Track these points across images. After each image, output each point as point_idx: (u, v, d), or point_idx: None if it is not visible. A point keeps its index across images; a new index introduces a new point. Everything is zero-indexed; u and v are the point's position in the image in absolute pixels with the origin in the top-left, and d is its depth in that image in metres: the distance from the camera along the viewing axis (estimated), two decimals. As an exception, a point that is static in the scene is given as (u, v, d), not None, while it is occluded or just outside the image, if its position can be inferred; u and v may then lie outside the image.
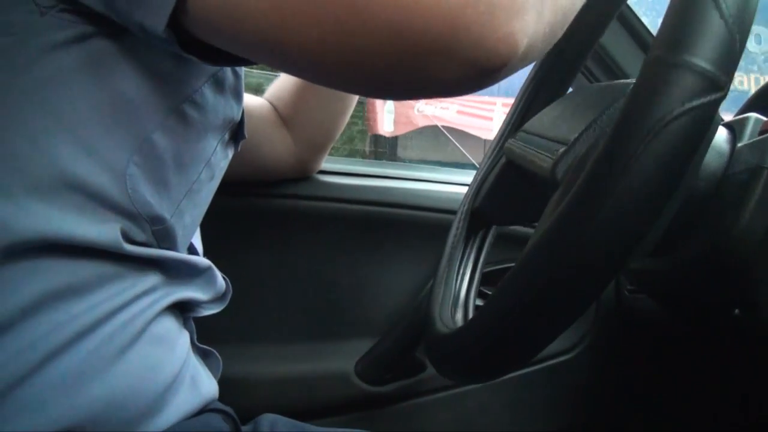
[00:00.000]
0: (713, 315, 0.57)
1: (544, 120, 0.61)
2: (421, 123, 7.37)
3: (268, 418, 0.70)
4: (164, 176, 0.51)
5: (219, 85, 0.54)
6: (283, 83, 0.95)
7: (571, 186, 0.39)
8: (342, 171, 1.06)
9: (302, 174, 1.00)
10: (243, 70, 0.58)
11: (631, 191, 0.35)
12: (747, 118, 0.58)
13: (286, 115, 0.96)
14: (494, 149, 0.73)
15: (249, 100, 0.92)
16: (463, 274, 0.66)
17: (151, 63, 0.48)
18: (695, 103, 0.35)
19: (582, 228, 0.36)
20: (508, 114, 0.75)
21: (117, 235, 0.48)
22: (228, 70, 0.55)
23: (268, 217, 1.00)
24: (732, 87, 0.36)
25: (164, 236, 0.53)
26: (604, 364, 1.04)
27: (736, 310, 0.52)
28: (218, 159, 0.59)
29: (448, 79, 0.38)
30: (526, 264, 0.40)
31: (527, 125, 0.63)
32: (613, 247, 0.36)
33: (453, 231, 0.69)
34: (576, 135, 0.50)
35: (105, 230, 0.48)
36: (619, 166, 0.35)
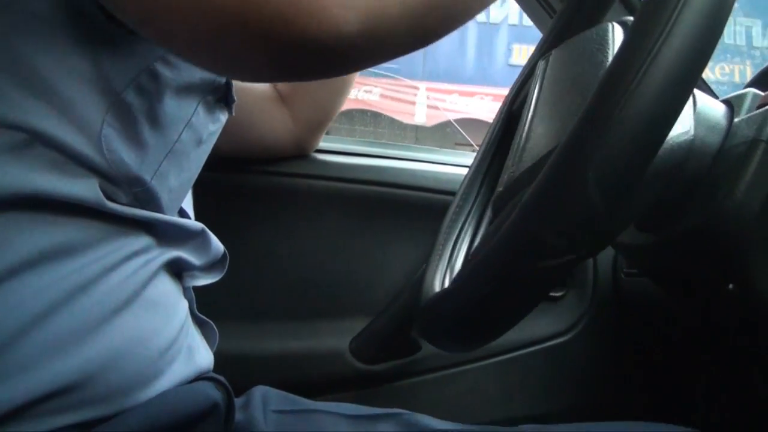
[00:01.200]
0: (707, 290, 0.56)
1: None
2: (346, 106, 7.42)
3: (260, 390, 0.70)
4: (139, 135, 0.51)
5: None
6: None
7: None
8: (340, 150, 1.05)
9: (300, 152, 1.00)
10: None
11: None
12: (745, 94, 0.57)
13: (285, 93, 0.95)
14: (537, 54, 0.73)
15: None
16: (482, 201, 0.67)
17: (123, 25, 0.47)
18: (551, 263, 0.39)
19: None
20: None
21: (97, 192, 0.48)
22: None
23: (265, 195, 1.00)
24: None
25: (147, 199, 0.53)
26: (600, 346, 1.04)
27: (730, 285, 0.52)
28: (202, 121, 0.58)
29: (285, 62, 0.42)
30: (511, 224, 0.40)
31: None
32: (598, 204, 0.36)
33: (483, 146, 0.70)
34: None
35: (85, 187, 0.47)
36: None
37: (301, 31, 0.39)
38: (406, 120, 7.65)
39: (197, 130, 0.57)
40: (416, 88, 7.34)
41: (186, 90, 0.54)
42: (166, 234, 0.56)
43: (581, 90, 0.51)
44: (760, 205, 0.49)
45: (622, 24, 0.54)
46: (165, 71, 0.51)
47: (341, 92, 0.97)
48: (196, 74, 0.55)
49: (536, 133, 0.54)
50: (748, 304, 0.52)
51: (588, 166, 0.36)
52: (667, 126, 0.36)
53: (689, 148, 0.49)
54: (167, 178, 0.55)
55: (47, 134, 0.46)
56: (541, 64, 0.63)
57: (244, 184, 0.99)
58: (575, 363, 1.04)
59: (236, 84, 0.86)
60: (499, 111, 0.74)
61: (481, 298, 0.42)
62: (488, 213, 0.69)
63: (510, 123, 0.69)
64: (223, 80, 0.59)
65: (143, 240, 0.53)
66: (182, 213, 0.63)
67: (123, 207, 0.50)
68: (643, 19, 0.37)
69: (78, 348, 0.46)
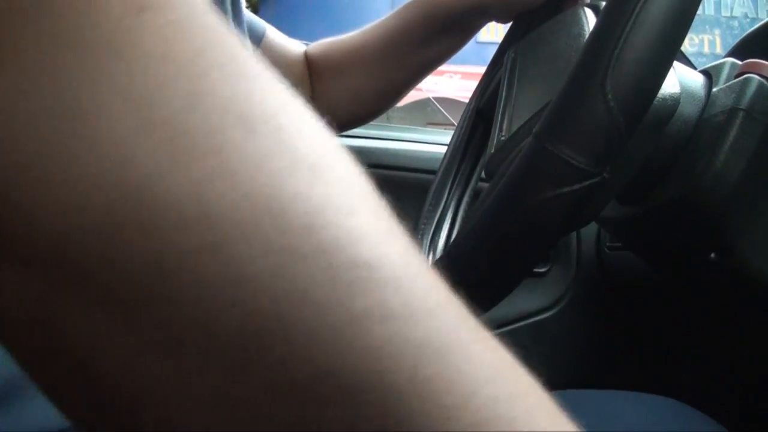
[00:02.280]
0: (689, 261, 0.57)
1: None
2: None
3: None
4: None
5: None
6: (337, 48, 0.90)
7: None
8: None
9: None
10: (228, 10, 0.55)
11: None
12: (723, 63, 0.57)
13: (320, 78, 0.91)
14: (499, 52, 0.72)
15: (289, 45, 0.89)
16: (459, 191, 0.66)
17: None
18: (565, 189, 0.37)
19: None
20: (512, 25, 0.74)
21: None
22: None
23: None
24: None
25: None
26: (585, 320, 1.05)
27: (712, 254, 0.52)
28: None
29: None
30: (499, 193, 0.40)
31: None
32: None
33: (453, 140, 0.69)
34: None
35: None
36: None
37: None
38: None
39: None
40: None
41: None
42: None
43: (566, 56, 0.51)
44: (740, 173, 0.49)
45: (593, 8, 0.54)
46: None
47: (365, 101, 0.90)
48: None
49: (521, 101, 0.54)
50: (730, 273, 0.52)
51: (606, 76, 0.35)
52: (684, 27, 0.37)
53: (678, 102, 0.49)
54: None
55: None
56: (509, 54, 0.63)
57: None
58: (561, 337, 1.05)
59: (275, 58, 0.83)
60: (473, 92, 0.74)
61: (494, 245, 0.41)
62: (469, 189, 0.69)
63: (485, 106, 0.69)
64: None
65: None
66: None
67: None
68: None
69: None
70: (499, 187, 0.40)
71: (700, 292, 0.67)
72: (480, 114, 0.69)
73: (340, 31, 0.90)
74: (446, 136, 1.11)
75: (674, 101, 0.48)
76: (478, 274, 0.41)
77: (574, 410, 0.52)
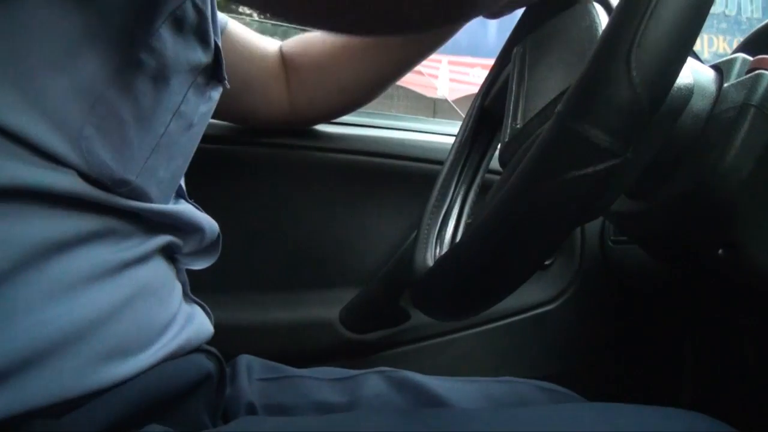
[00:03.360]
0: (696, 256, 0.57)
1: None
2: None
3: (244, 359, 0.71)
4: (123, 135, 0.48)
5: (179, 25, 0.50)
6: (310, 43, 0.92)
7: None
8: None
9: (292, 128, 0.98)
10: (208, 8, 0.54)
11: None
12: (734, 59, 0.57)
13: (291, 84, 0.92)
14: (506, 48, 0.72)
15: (256, 41, 0.90)
16: (465, 187, 0.66)
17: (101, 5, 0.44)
18: (588, 170, 0.36)
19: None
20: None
21: (81, 185, 0.46)
22: (189, 8, 0.51)
23: (254, 165, 0.99)
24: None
25: (134, 196, 0.51)
26: (587, 313, 1.05)
27: (720, 251, 0.52)
28: (192, 106, 0.55)
29: None
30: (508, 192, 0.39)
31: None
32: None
33: (459, 136, 0.68)
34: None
35: (65, 180, 0.45)
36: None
37: None
38: (428, 94, 7.61)
39: (187, 116, 0.55)
40: (438, 61, 7.27)
41: (174, 77, 0.51)
42: (157, 221, 0.54)
43: (577, 49, 0.51)
44: (750, 170, 0.49)
45: (602, 2, 0.54)
46: (150, 61, 0.48)
47: (348, 93, 0.92)
48: (182, 60, 0.52)
49: (534, 90, 0.54)
50: (737, 269, 0.52)
51: (631, 52, 0.35)
52: (708, 5, 0.36)
53: (691, 93, 0.49)
54: (155, 171, 0.52)
55: (19, 131, 0.43)
56: (518, 49, 0.63)
57: (231, 155, 0.98)
58: (563, 330, 1.05)
59: (239, 53, 0.84)
60: (482, 82, 0.74)
61: (510, 232, 0.40)
62: (476, 183, 0.69)
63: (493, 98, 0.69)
64: (211, 59, 0.56)
65: (134, 228, 0.51)
66: (179, 190, 0.62)
67: (110, 198, 0.48)
68: None
69: (74, 341, 0.46)
70: (519, 171, 0.39)
71: (705, 288, 0.67)
72: (487, 108, 0.69)
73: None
74: (453, 127, 1.11)
75: (688, 92, 0.49)
76: (492, 262, 0.41)
77: (598, 424, 0.51)
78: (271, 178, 0.99)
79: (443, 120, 1.25)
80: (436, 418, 0.54)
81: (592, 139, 0.36)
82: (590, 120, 0.36)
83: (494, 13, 0.72)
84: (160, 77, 0.50)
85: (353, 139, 1.02)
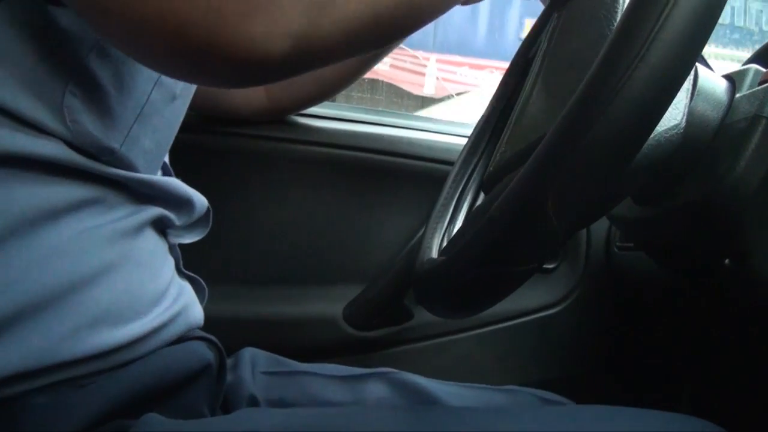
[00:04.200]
0: (703, 265, 0.57)
1: None
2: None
3: (249, 351, 0.71)
4: (105, 103, 0.49)
5: None
6: None
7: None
8: (336, 117, 1.05)
9: (272, 119, 0.98)
10: None
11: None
12: (747, 70, 0.57)
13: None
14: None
15: None
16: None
17: None
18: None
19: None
20: None
21: (68, 153, 0.47)
22: None
23: (261, 160, 0.99)
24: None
25: (120, 165, 0.52)
26: (590, 319, 1.05)
27: (726, 260, 0.52)
28: None
29: (211, 73, 0.42)
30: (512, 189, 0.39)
31: None
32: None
33: (473, 135, 0.69)
34: None
35: (53, 148, 0.46)
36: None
37: (226, 57, 0.38)
38: (415, 91, 7.66)
39: (168, 87, 0.55)
40: (426, 59, 7.30)
41: None
42: (146, 193, 0.55)
43: (581, 66, 0.51)
44: (760, 181, 0.49)
45: None
46: None
47: (323, 82, 0.94)
48: None
49: (531, 112, 0.54)
50: (743, 279, 0.52)
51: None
52: (662, 110, 0.36)
53: (679, 143, 0.47)
54: (140, 141, 0.53)
55: (2, 103, 0.44)
56: (554, 19, 0.62)
57: (241, 148, 0.98)
58: (566, 334, 1.05)
59: None
60: (500, 81, 0.73)
61: (482, 264, 0.41)
62: None
63: (513, 91, 0.69)
64: None
65: (123, 198, 0.52)
66: (166, 169, 0.62)
67: (97, 166, 0.49)
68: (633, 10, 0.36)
69: (63, 304, 0.46)
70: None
71: (710, 296, 0.67)
72: (502, 110, 0.69)
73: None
74: (464, 128, 1.11)
75: (671, 143, 0.47)
76: (489, 267, 0.41)
77: (600, 425, 0.51)
78: (279, 173, 0.99)
79: (454, 121, 1.25)
80: (432, 415, 0.54)
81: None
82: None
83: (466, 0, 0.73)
84: None
85: (359, 136, 1.02)
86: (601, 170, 0.35)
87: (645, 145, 0.38)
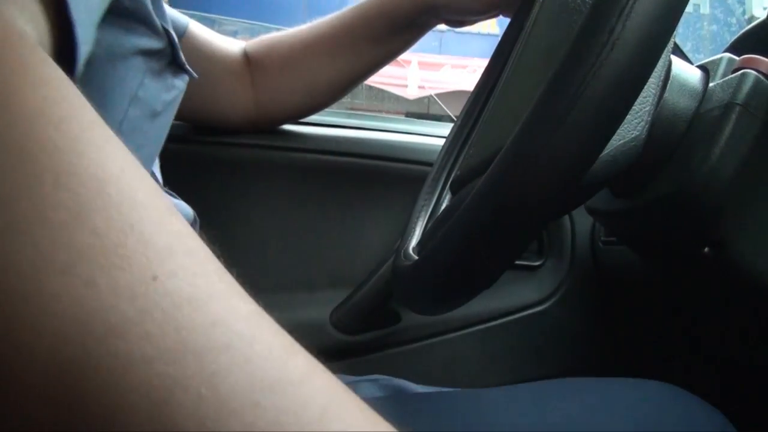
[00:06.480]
0: (683, 255, 0.57)
1: None
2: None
3: None
4: None
5: (112, 13, 0.48)
6: (276, 45, 0.92)
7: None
8: (319, 122, 1.05)
9: (258, 130, 0.97)
10: None
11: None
12: (720, 59, 0.57)
13: (256, 82, 0.92)
14: None
15: (219, 41, 0.90)
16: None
17: None
18: None
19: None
20: None
21: None
22: None
23: (245, 167, 0.99)
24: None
25: None
26: (578, 314, 1.05)
27: (705, 249, 0.52)
28: (153, 93, 0.54)
29: None
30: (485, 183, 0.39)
31: None
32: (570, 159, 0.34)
33: (450, 137, 0.69)
34: None
35: None
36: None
37: None
38: (399, 93, 7.77)
39: (147, 103, 0.54)
40: (408, 61, 7.38)
41: (120, 62, 0.50)
42: None
43: (552, 63, 0.50)
44: (735, 168, 0.49)
45: None
46: (94, 46, 0.46)
47: (314, 93, 0.93)
48: (126, 45, 0.50)
49: (500, 113, 0.54)
50: (723, 267, 0.52)
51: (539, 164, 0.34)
52: (617, 121, 0.34)
53: (636, 156, 0.47)
54: None
55: None
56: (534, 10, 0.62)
57: (225, 155, 0.98)
58: (554, 330, 1.05)
59: (201, 53, 0.84)
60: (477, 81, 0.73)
61: (453, 263, 0.41)
62: None
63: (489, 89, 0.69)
64: (163, 44, 0.55)
65: None
66: (153, 178, 0.62)
67: None
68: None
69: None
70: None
71: (694, 287, 0.67)
72: (479, 111, 0.69)
73: (253, 6, 0.93)
74: (443, 129, 1.12)
75: (635, 148, 0.46)
76: (462, 262, 0.41)
77: (569, 397, 0.53)
78: (261, 180, 0.99)
79: (434, 122, 1.26)
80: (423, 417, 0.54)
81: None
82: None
83: (455, 24, 0.73)
84: (109, 59, 0.49)
85: (342, 140, 1.02)
86: (552, 187, 0.34)
87: (597, 162, 0.37)
